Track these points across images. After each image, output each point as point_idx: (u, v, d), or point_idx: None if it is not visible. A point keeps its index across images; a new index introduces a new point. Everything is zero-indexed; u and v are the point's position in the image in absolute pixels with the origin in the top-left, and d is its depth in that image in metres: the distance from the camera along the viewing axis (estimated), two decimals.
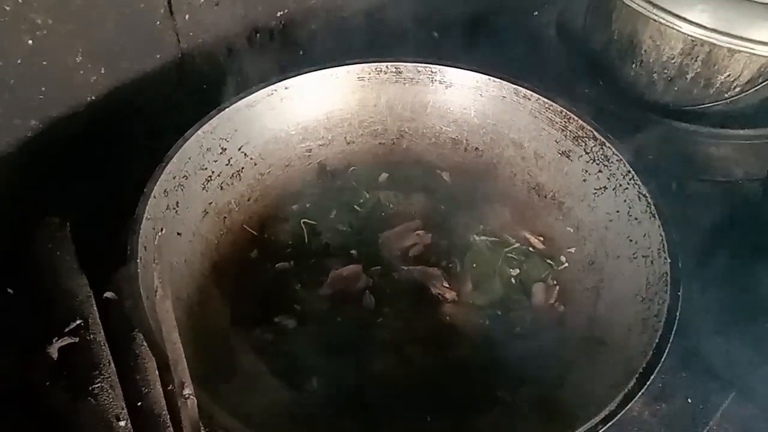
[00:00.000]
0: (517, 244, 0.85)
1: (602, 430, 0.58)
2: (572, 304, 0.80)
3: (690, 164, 0.99)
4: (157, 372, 0.61)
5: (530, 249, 0.85)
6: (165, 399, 0.59)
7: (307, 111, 0.89)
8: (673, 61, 0.98)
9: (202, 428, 0.56)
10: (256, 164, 0.86)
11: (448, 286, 0.80)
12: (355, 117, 0.92)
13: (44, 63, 0.74)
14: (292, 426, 0.68)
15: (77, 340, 0.59)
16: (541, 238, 0.86)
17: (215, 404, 0.57)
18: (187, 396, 0.50)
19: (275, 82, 0.85)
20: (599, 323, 0.75)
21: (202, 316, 0.72)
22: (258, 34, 0.97)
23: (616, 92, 1.03)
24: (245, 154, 0.85)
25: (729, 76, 0.96)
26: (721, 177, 0.99)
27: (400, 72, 0.90)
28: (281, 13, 0.98)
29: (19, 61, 0.71)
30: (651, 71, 1.01)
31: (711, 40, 0.90)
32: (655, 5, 0.92)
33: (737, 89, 0.98)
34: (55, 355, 0.60)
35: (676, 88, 1.01)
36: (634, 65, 1.03)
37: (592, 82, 1.06)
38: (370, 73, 0.89)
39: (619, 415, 0.59)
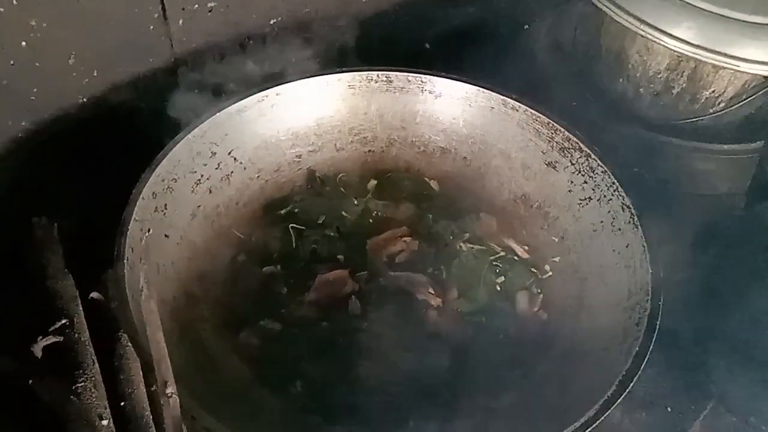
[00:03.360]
0: (503, 253, 0.86)
1: None
2: (555, 312, 0.81)
3: (674, 177, 1.00)
4: (141, 373, 0.61)
5: (515, 258, 0.86)
6: (148, 399, 0.59)
7: (298, 117, 0.90)
8: (659, 76, 0.99)
9: (184, 428, 0.56)
10: (245, 169, 0.87)
11: (433, 292, 0.80)
12: (345, 124, 0.93)
13: (37, 65, 0.75)
14: (274, 429, 0.68)
15: (62, 339, 0.60)
16: (526, 247, 0.87)
17: (198, 405, 0.58)
18: (170, 395, 0.50)
19: (267, 88, 0.86)
20: (581, 331, 0.76)
21: (187, 319, 0.73)
22: (251, 41, 0.98)
23: (604, 105, 1.04)
24: (235, 159, 0.85)
25: (714, 91, 0.98)
26: (705, 190, 1.01)
27: (390, 81, 0.91)
28: (274, 20, 0.99)
29: (12, 63, 0.72)
30: (638, 86, 1.03)
31: (696, 56, 0.91)
32: (642, 21, 0.93)
33: (722, 105, 1.00)
34: (39, 354, 0.60)
35: (662, 103, 1.02)
36: (621, 79, 1.04)
37: (580, 95, 1.07)
38: (360, 82, 0.90)
39: (598, 422, 0.60)
